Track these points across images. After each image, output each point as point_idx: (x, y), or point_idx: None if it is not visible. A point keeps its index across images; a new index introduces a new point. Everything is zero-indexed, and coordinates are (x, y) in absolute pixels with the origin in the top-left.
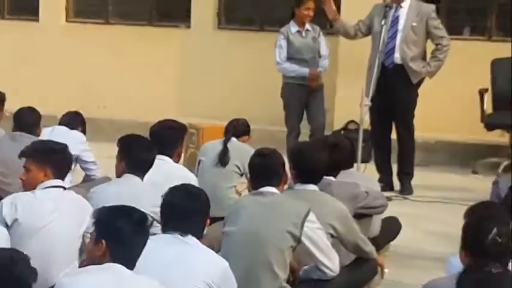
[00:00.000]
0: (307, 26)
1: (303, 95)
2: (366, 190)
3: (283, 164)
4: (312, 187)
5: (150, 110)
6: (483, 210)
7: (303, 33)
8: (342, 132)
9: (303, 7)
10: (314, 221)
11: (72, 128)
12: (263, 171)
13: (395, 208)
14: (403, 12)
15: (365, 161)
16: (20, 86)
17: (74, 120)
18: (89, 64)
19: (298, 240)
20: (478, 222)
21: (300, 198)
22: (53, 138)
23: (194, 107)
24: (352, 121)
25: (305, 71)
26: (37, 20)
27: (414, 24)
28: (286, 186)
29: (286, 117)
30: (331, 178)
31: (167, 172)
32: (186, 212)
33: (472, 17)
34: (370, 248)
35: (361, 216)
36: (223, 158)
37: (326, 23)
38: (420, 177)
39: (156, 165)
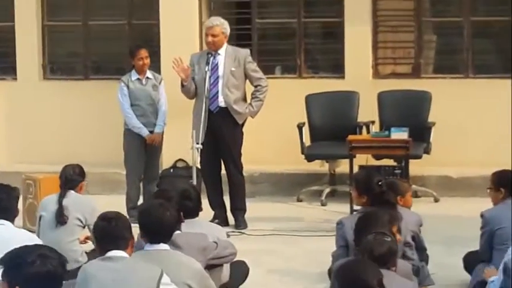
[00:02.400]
0: (148, 73)
1: (143, 142)
2: (215, 240)
3: (129, 227)
4: (164, 246)
5: None
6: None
7: (143, 81)
8: (171, 170)
9: (136, 58)
10: (168, 283)
11: None
12: (109, 235)
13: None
14: (221, 58)
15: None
16: None
17: None
18: None
19: None
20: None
21: (153, 259)
22: None
23: (26, 154)
24: (180, 159)
25: (144, 132)
26: None
27: (233, 69)
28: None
29: (126, 162)
30: (177, 231)
31: (8, 237)
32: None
33: (282, 56)
34: None
35: (212, 266)
36: (60, 218)
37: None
38: (250, 208)
39: None
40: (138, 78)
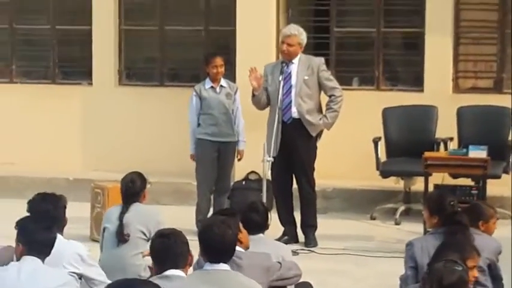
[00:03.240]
0: (223, 82)
1: (215, 152)
2: (279, 260)
3: (187, 243)
4: (224, 266)
5: (56, 166)
6: None
7: (217, 89)
8: (244, 182)
9: (211, 65)
10: None
11: None
12: (166, 253)
13: (302, 263)
14: (294, 67)
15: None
16: None
17: None
18: None
19: None
20: None
21: (212, 280)
22: None
23: (100, 161)
24: (253, 172)
25: (192, 149)
26: None
27: (306, 77)
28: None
29: (197, 173)
30: (240, 249)
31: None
32: None
33: (360, 67)
34: None
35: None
36: (120, 237)
37: None
38: (321, 225)
39: None
40: (212, 87)
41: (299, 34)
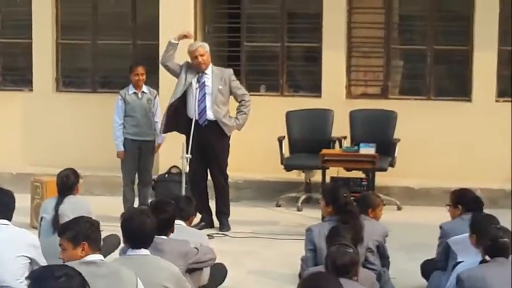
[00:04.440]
0: (144, 88)
1: (136, 149)
2: (196, 246)
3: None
4: (144, 251)
5: (2, 162)
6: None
7: (139, 95)
8: (166, 175)
9: (133, 73)
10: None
11: None
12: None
13: (217, 245)
14: (208, 78)
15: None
16: None
17: None
18: None
19: None
20: None
21: (133, 263)
22: None
23: (38, 158)
24: (175, 166)
25: (119, 147)
26: None
27: (220, 87)
28: None
29: (122, 167)
30: (163, 237)
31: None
32: None
33: (266, 76)
34: None
35: (192, 269)
36: (56, 225)
37: None
38: (233, 212)
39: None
40: (135, 92)
41: (202, 44)
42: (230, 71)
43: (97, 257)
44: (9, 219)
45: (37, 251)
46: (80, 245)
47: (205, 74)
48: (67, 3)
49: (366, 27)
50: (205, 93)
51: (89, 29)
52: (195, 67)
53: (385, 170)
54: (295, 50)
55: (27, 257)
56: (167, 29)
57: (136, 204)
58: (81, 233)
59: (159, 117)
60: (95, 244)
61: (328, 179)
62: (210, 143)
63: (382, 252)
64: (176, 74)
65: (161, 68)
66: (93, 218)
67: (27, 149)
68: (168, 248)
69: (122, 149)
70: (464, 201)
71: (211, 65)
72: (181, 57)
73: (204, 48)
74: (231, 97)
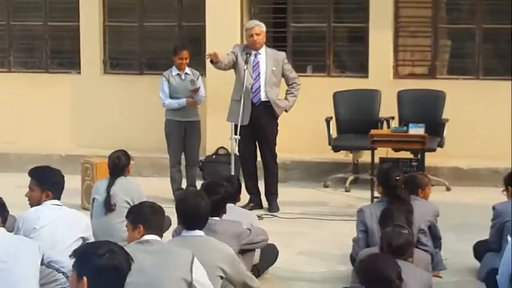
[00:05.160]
0: (187, 70)
1: (182, 130)
2: (248, 227)
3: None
4: (198, 233)
5: (51, 144)
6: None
7: (182, 76)
8: (214, 157)
9: (177, 56)
10: (198, 265)
11: None
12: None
13: (266, 226)
14: (262, 58)
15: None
16: None
17: None
18: None
19: (190, 285)
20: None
21: (188, 244)
22: None
23: (87, 140)
24: (222, 147)
25: (183, 101)
26: None
27: (274, 68)
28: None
29: (168, 149)
30: (216, 218)
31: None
32: None
33: (313, 57)
34: (256, 284)
35: (245, 250)
36: (108, 206)
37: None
38: (282, 193)
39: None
40: (178, 74)
41: (259, 24)
42: (283, 54)
43: (152, 237)
44: (59, 198)
45: (90, 232)
46: (137, 227)
47: (259, 53)
48: None
49: (413, 6)
50: (259, 73)
51: (136, 11)
52: (249, 45)
53: (434, 150)
54: (342, 30)
55: (82, 237)
56: (213, 10)
57: (184, 185)
58: (139, 215)
59: (203, 91)
60: (152, 227)
61: (376, 160)
62: (260, 124)
63: (434, 233)
64: (234, 63)
65: (208, 49)
66: (144, 199)
67: (75, 131)
68: (222, 229)
69: (184, 101)
70: None
71: (264, 45)
72: None
73: (261, 27)
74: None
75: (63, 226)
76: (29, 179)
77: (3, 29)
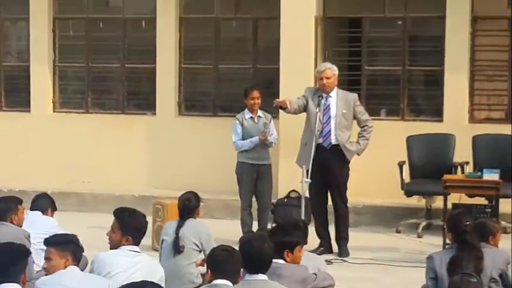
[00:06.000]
0: (259, 113)
1: (254, 173)
2: (314, 272)
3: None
4: (262, 277)
5: (125, 185)
6: None
7: (255, 119)
8: (285, 200)
9: (249, 97)
10: None
11: (43, 211)
12: (224, 265)
13: (335, 271)
14: (333, 100)
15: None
16: (20, 168)
17: (44, 203)
18: (74, 147)
19: None
20: None
21: None
22: (26, 224)
23: (160, 180)
24: (293, 190)
25: (255, 139)
26: (29, 111)
27: (344, 111)
28: None
29: (239, 191)
30: (281, 261)
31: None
32: None
33: (387, 101)
34: None
35: None
36: (176, 247)
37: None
38: (352, 237)
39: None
40: (251, 117)
41: (331, 67)
42: (355, 95)
43: (221, 281)
44: (139, 244)
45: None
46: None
47: (330, 96)
48: (190, 28)
49: (489, 50)
50: (330, 116)
51: (211, 53)
52: (320, 88)
53: (509, 196)
54: (417, 73)
55: None
56: (287, 53)
57: (255, 228)
58: (210, 258)
59: (275, 134)
60: (223, 271)
61: (449, 206)
62: (331, 167)
63: (505, 281)
64: (304, 107)
65: (282, 92)
66: (213, 241)
67: (149, 171)
68: (287, 273)
69: (257, 139)
70: None
71: (336, 87)
72: None
73: (332, 70)
74: (354, 122)
75: (140, 275)
76: (104, 218)
77: (82, 71)
